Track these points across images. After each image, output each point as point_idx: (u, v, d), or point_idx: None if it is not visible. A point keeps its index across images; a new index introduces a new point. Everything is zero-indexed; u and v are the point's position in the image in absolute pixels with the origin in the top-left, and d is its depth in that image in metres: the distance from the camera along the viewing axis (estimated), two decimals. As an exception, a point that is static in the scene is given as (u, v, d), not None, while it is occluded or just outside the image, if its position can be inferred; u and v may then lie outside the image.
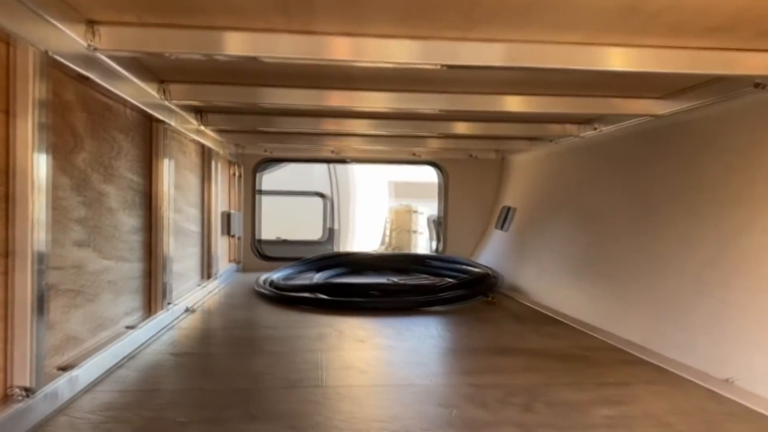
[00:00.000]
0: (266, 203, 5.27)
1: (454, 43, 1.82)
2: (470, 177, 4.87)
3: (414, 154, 4.73)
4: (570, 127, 3.45)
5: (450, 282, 3.53)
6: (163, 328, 2.50)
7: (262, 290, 3.52)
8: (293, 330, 2.59)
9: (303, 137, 4.07)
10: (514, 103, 2.71)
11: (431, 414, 1.57)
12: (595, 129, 3.22)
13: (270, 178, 5.23)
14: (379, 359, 2.12)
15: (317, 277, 3.97)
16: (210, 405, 1.64)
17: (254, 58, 1.81)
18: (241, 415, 1.55)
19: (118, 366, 1.96)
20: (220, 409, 1.60)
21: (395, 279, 3.97)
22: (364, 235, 9.71)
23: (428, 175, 5.22)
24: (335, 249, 8.66)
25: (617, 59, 1.88)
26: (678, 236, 2.36)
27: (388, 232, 10.79)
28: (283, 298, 3.33)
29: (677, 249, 2.34)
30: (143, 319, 2.39)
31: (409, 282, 3.82)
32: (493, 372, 1.96)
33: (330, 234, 8.76)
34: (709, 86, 2.25)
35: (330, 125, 3.39)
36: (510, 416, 1.54)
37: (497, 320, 2.88)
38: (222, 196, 4.17)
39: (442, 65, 1.85)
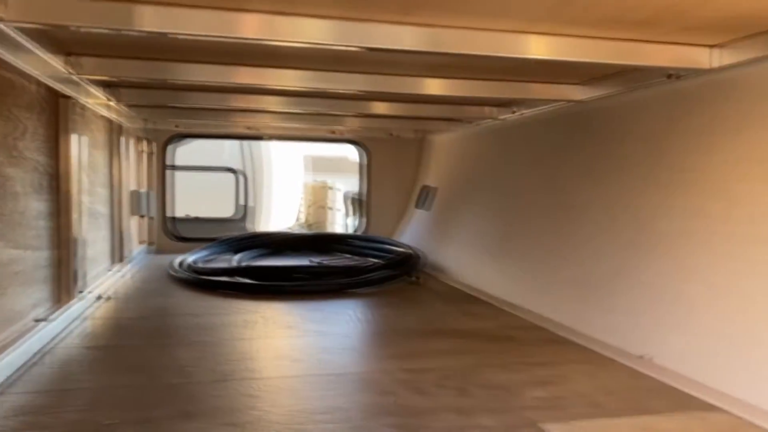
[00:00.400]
0: (180, 181, 5.05)
1: (379, 26, 1.78)
2: (391, 156, 4.87)
3: (333, 132, 4.68)
4: (489, 110, 3.52)
5: (376, 263, 3.54)
6: (75, 319, 2.35)
7: (179, 274, 3.38)
8: (217, 317, 2.50)
9: (216, 113, 3.91)
10: (434, 86, 2.73)
11: (371, 403, 1.57)
12: (514, 112, 3.30)
13: (180, 154, 4.99)
14: (312, 346, 2.10)
15: (236, 259, 3.86)
16: (138, 403, 1.55)
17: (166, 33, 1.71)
18: (174, 413, 1.48)
19: (31, 364, 1.81)
20: (149, 407, 1.52)
21: (318, 260, 3.94)
22: (280, 211, 9.55)
23: (345, 150, 5.17)
24: (249, 226, 8.46)
25: (542, 47, 1.93)
26: (596, 219, 2.47)
27: (304, 209, 10.68)
28: (201, 282, 3.22)
29: (596, 231, 2.45)
30: (54, 311, 2.23)
31: (335, 263, 3.79)
32: (426, 355, 1.99)
33: (244, 211, 8.55)
34: (626, 75, 2.34)
35: (244, 102, 3.27)
36: (447, 401, 1.57)
37: (424, 301, 2.93)
38: (132, 174, 3.95)
39: (364, 48, 1.81)
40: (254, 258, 4.10)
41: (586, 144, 2.71)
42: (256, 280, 3.24)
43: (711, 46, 1.95)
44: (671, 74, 2.15)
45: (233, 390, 1.65)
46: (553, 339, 2.18)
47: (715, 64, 1.95)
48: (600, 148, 2.59)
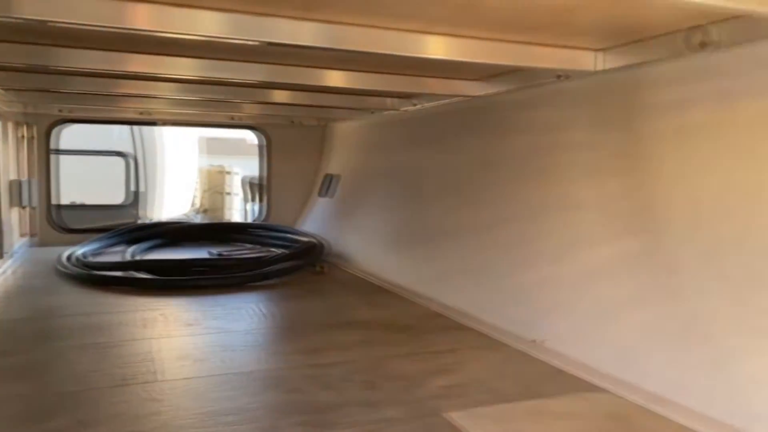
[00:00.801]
0: (66, 166, 4.73)
1: (279, 21, 1.77)
2: (292, 143, 4.82)
3: (232, 118, 4.56)
4: (391, 101, 3.58)
5: (279, 253, 3.51)
6: (-49, 325, 2.17)
7: (67, 269, 3.19)
8: (112, 316, 2.40)
9: (104, 98, 3.70)
10: (336, 79, 2.74)
11: (279, 401, 1.58)
12: (415, 105, 3.38)
13: (65, 137, 4.67)
14: (215, 345, 2.06)
15: (130, 252, 3.69)
16: (30, 415, 1.47)
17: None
18: (71, 423, 1.42)
19: None
20: (42, 419, 1.44)
21: (218, 251, 3.85)
22: (174, 197, 9.19)
23: (243, 131, 5.05)
24: (141, 212, 8.09)
25: (442, 48, 1.99)
26: (492, 208, 2.60)
27: (199, 194, 10.33)
28: (93, 278, 3.05)
29: (491, 219, 2.58)
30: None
31: (235, 255, 3.72)
32: (332, 348, 2.02)
33: (135, 197, 8.16)
34: (520, 73, 2.47)
35: (136, 88, 3.11)
36: (355, 395, 1.60)
37: (328, 291, 2.95)
38: (11, 162, 3.66)
39: (264, 42, 1.79)
40: (149, 250, 3.94)
41: (483, 136, 2.82)
42: (152, 274, 3.12)
43: (596, 50, 2.10)
44: (560, 75, 2.29)
45: (134, 395, 1.60)
46: (454, 326, 2.28)
47: (599, 67, 2.10)
48: (495, 140, 2.71)
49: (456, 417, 1.46)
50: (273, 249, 3.86)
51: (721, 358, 1.51)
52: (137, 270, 3.17)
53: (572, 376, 1.74)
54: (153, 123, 4.92)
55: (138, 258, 3.58)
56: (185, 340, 2.12)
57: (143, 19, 1.65)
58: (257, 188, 5.75)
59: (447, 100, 3.11)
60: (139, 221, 7.24)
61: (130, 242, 3.98)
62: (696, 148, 1.76)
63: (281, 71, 2.65)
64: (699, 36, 1.75)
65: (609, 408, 1.54)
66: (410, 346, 2.04)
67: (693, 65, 1.81)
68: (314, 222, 4.48)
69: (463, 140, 2.98)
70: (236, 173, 9.36)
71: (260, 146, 4.79)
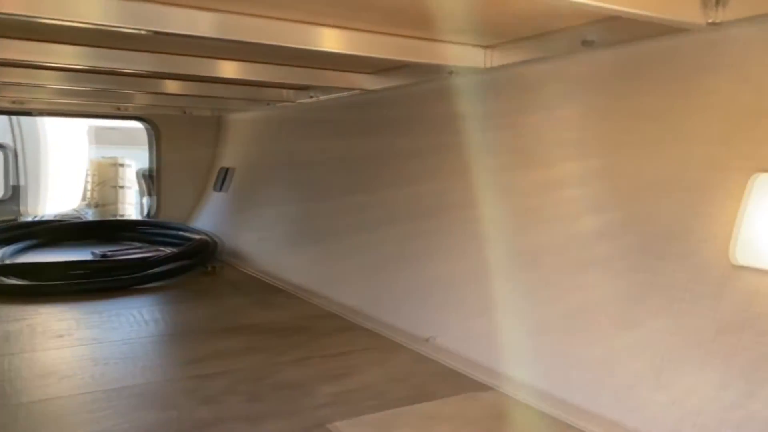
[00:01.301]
0: None
1: (169, 9, 1.64)
2: (185, 135, 4.58)
3: (119, 109, 4.26)
4: (287, 93, 3.45)
5: (167, 252, 3.31)
6: None
7: None
8: (-30, 329, 2.15)
9: (-32, 85, 3.33)
10: (229, 69, 2.61)
11: (152, 421, 1.45)
12: (311, 97, 3.28)
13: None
14: (86, 358, 1.88)
15: (1, 254, 3.36)
16: None
17: None
18: None
19: None
20: None
21: (102, 251, 3.58)
22: (60, 191, 8.55)
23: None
24: (23, 209, 7.48)
25: (333, 41, 1.93)
26: (387, 204, 2.56)
27: (90, 187, 9.68)
28: (-47, 285, 2.75)
29: (386, 216, 2.54)
30: None
31: (119, 256, 3.47)
32: (216, 357, 1.90)
33: (14, 191, 7.54)
34: (414, 68, 2.43)
35: (8, 75, 2.82)
36: (237, 410, 1.51)
37: (218, 293, 2.81)
38: None
39: (151, 32, 1.65)
40: (23, 252, 3.61)
41: (379, 131, 2.77)
42: (25, 279, 2.84)
43: (485, 47, 2.09)
44: (452, 71, 2.27)
45: (-20, 423, 1.42)
46: (348, 326, 2.22)
47: (489, 64, 2.10)
48: (390, 135, 2.67)
49: (341, 427, 1.40)
50: (163, 248, 3.64)
51: (607, 356, 1.53)
52: (6, 275, 2.88)
53: (463, 375, 1.73)
54: (27, 113, 4.51)
55: (8, 261, 3.26)
56: (52, 355, 1.93)
57: (14, 2, 1.46)
58: (153, 181, 5.44)
59: (343, 93, 3.03)
60: (21, 218, 6.67)
61: (2, 243, 3.62)
62: (579, 146, 1.79)
63: (171, 61, 2.49)
64: (582, 34, 1.78)
65: (497, 408, 1.53)
66: (301, 350, 1.95)
67: (578, 63, 1.84)
68: (209, 218, 4.28)
69: (359, 135, 2.92)
70: (129, 165, 8.82)
71: (149, 138, 4.51)
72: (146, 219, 4.56)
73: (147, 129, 4.50)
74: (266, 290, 2.83)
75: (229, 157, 4.43)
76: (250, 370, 1.76)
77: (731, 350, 1.30)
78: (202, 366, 1.82)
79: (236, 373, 1.75)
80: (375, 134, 2.80)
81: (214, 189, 4.40)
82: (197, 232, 3.81)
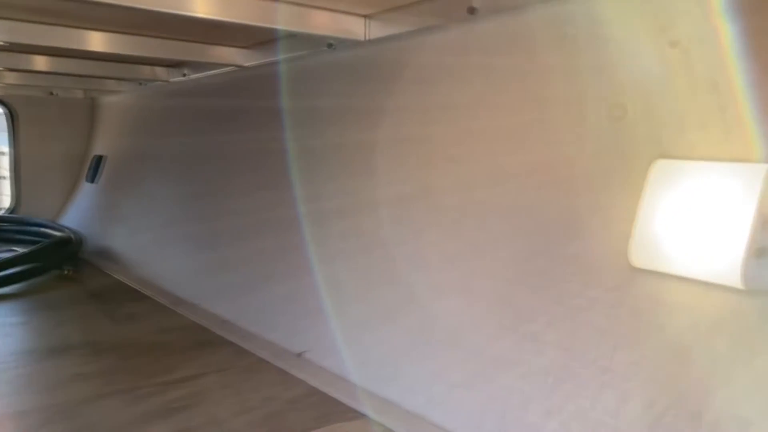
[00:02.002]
0: None
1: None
2: (54, 119, 4.06)
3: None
4: (160, 71, 3.08)
5: (13, 255, 2.84)
6: None
7: None
8: None
9: None
10: (97, 41, 2.25)
11: None
12: (185, 75, 2.92)
13: None
14: None
15: None
16: None
17: None
18: None
19: None
20: None
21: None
22: None
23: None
24: None
25: (204, 6, 1.64)
26: (261, 199, 2.25)
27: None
28: None
29: (260, 211, 2.23)
30: None
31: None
32: (27, 389, 1.53)
33: None
34: (291, 40, 2.14)
35: None
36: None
37: (67, 303, 2.39)
38: None
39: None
40: None
41: (255, 113, 2.45)
42: None
43: (364, 16, 1.82)
44: (331, 43, 2.00)
45: None
46: (209, 341, 1.90)
47: (369, 35, 1.84)
48: (267, 117, 2.36)
49: (160, 486, 1.09)
50: (16, 247, 3.16)
51: (492, 376, 1.30)
52: None
53: (331, 399, 1.46)
54: None
55: None
56: None
57: None
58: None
59: (218, 71, 2.69)
60: None
61: None
62: (465, 125, 1.55)
63: (29, 29, 2.09)
64: (467, 1, 1.54)
65: (364, 444, 1.27)
66: (137, 376, 1.60)
67: (461, 33, 1.60)
68: (78, 213, 3.80)
69: (237, 119, 2.59)
70: (3, 153, 7.99)
71: (7, 123, 3.96)
72: (2, 215, 4.01)
73: (6, 114, 3.95)
74: (128, 298, 2.44)
75: (102, 144, 3.96)
76: (63, 409, 1.41)
77: (631, 371, 1.09)
78: (8, 402, 1.45)
79: (45, 411, 1.39)
80: (253, 118, 2.48)
81: (86, 180, 3.92)
82: (60, 228, 3.33)
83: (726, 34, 1.08)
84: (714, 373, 0.99)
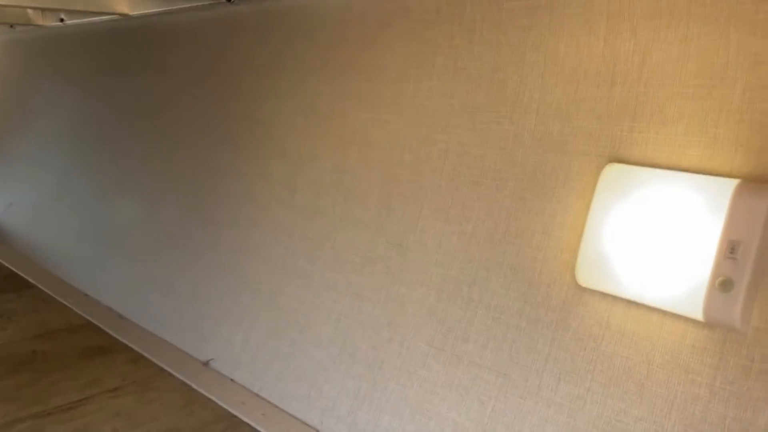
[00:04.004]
0: None
1: None
2: None
3: None
4: (33, 14, 2.63)
5: None
6: None
7: None
8: None
9: None
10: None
11: None
12: (62, 21, 2.50)
13: None
14: None
15: None
16: None
17: None
18: None
19: None
20: None
21: None
22: None
23: None
24: None
25: None
26: (158, 167, 1.97)
27: None
28: None
29: (157, 182, 1.96)
30: None
31: None
32: None
33: None
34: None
35: None
36: None
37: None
38: None
39: None
40: None
41: (142, 69, 2.13)
42: None
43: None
44: (230, -5, 1.70)
45: None
46: (101, 346, 1.66)
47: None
48: (154, 74, 2.04)
49: None
50: None
51: (423, 403, 1.16)
52: None
53: (244, 426, 1.28)
54: None
55: None
56: None
57: None
58: None
59: (99, 18, 2.31)
60: None
61: None
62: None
63: None
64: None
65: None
66: (11, 404, 1.35)
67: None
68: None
69: (121, 77, 2.25)
70: None
71: None
72: None
73: None
74: (4, 287, 2.13)
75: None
76: None
77: (576, 406, 0.97)
78: None
79: None
80: (141, 74, 2.15)
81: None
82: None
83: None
84: (669, 414, 0.88)
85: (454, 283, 1.17)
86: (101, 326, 1.77)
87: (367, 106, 1.40)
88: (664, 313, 0.91)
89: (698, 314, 0.85)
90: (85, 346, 1.66)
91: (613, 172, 0.98)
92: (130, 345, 1.65)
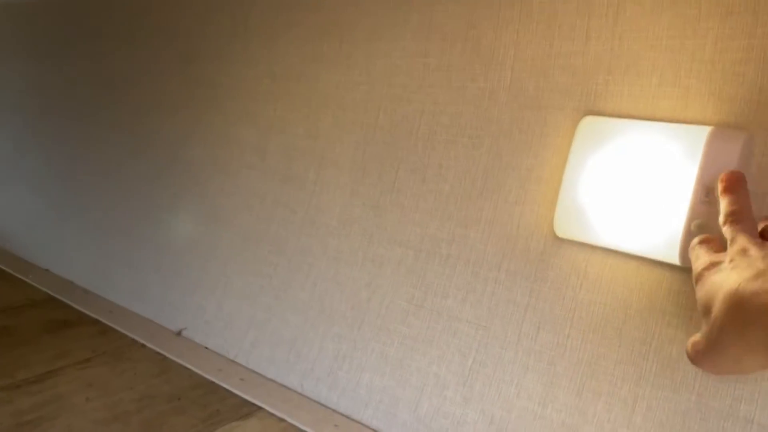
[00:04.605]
0: None
1: None
2: None
3: None
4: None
5: None
6: None
7: None
8: None
9: None
10: None
11: None
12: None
13: None
14: None
15: None
16: None
17: None
18: None
19: None
20: None
21: None
22: None
23: None
24: None
25: None
26: (119, 137, 1.91)
27: None
28: None
29: (119, 151, 1.90)
30: None
31: None
32: None
33: None
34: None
35: None
36: None
37: None
38: None
39: None
40: None
41: (100, 38, 2.05)
42: None
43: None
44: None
45: None
46: (67, 320, 1.62)
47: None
48: (112, 43, 1.98)
49: None
50: None
51: (402, 358, 1.17)
52: None
53: (220, 390, 1.27)
54: None
55: None
56: None
57: None
58: None
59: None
60: None
61: None
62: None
63: None
64: None
65: (263, 448, 1.11)
66: (-20, 378, 1.32)
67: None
68: None
69: (72, 47, 2.16)
70: None
71: None
72: None
73: None
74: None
75: None
76: None
77: (557, 353, 0.99)
78: None
79: None
80: (91, 47, 2.07)
81: None
82: None
83: (667, -30, 0.93)
84: (647, 356, 0.91)
85: (433, 242, 1.18)
86: (65, 300, 1.72)
87: (340, 68, 1.39)
88: (641, 259, 0.94)
89: (675, 259, 0.88)
90: (49, 320, 1.61)
91: (589, 124, 1.00)
92: (98, 318, 1.61)
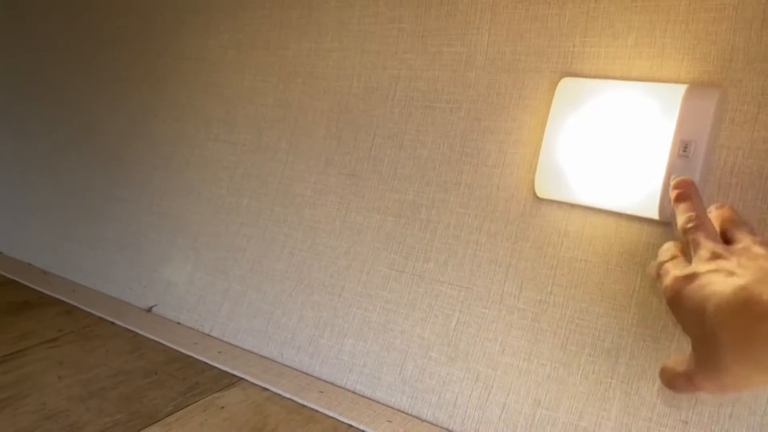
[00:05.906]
0: None
1: None
2: None
3: None
4: None
5: None
6: None
7: None
8: None
9: None
10: None
11: None
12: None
13: None
14: None
15: None
16: None
17: None
18: None
19: None
20: None
21: None
22: None
23: None
24: None
25: None
26: (87, 112, 1.84)
27: None
28: None
29: (87, 126, 1.83)
30: None
31: None
32: None
33: None
34: None
35: None
36: None
37: None
38: None
39: None
40: None
41: (52, 12, 1.96)
42: None
43: None
44: None
45: None
46: (28, 301, 1.55)
47: None
48: (64, 18, 1.89)
49: None
50: None
51: (384, 323, 1.17)
52: None
53: (198, 363, 1.25)
54: None
55: None
56: None
57: None
58: None
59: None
60: None
61: None
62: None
63: None
64: None
65: (250, 421, 1.09)
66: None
67: None
68: None
69: (21, 21, 2.06)
70: None
71: None
72: None
73: None
74: None
75: None
76: None
77: (540, 309, 1.02)
78: None
79: None
80: (51, 19, 1.98)
81: None
82: None
83: (644, -69, 0.95)
84: (628, 308, 0.95)
85: (412, 207, 1.18)
86: (24, 282, 1.65)
87: (309, 36, 1.37)
88: (620, 215, 0.97)
89: (654, 213, 0.91)
90: (9, 302, 1.54)
91: (566, 86, 1.02)
92: (61, 298, 1.55)
